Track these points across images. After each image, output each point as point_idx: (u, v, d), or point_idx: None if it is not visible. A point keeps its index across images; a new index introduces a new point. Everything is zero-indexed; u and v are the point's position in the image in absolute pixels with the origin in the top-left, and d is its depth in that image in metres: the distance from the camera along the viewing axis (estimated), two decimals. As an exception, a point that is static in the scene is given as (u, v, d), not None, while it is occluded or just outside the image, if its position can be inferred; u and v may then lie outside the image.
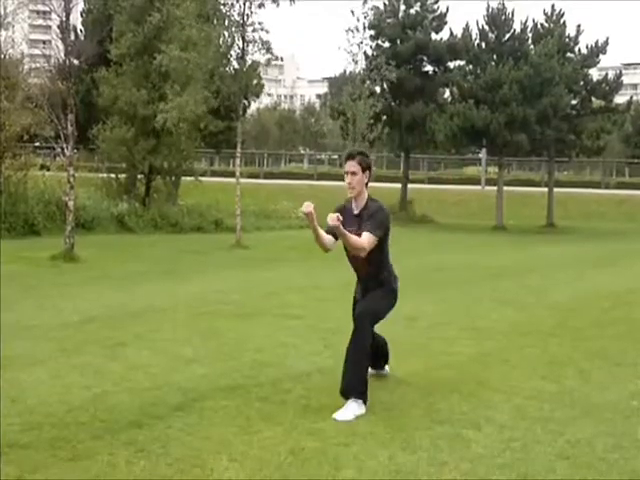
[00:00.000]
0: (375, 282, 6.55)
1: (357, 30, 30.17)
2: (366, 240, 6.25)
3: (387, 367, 7.22)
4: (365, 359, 6.28)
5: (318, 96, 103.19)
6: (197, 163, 34.34)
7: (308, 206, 6.02)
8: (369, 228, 6.28)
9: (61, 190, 20.67)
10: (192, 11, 22.80)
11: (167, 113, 22.80)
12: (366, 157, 6.43)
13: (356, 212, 6.41)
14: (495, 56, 34.86)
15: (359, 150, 6.63)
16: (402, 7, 37.79)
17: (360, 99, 29.20)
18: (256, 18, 22.01)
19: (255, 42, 21.88)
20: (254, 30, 21.83)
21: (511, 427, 5.90)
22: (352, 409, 6.09)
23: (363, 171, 6.36)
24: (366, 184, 6.41)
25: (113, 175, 28.85)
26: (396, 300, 6.63)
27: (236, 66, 23.10)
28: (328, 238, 6.33)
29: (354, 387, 6.19)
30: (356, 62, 31.25)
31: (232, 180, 24.97)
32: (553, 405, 6.50)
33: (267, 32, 22.03)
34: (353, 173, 6.33)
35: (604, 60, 37.30)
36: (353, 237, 6.21)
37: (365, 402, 6.19)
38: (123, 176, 28.62)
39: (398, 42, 37.25)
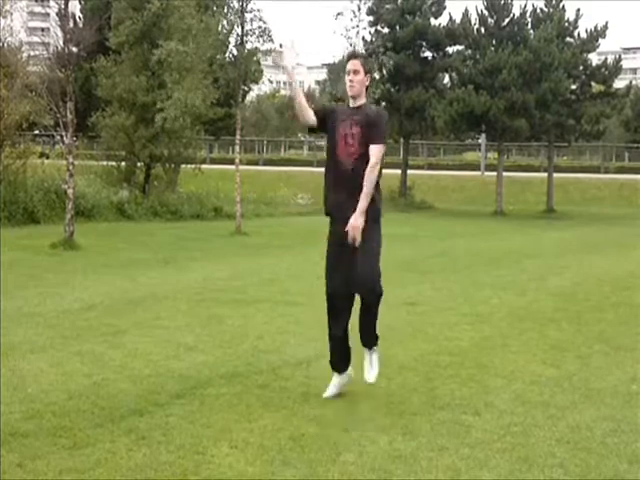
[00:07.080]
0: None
1: (354, 14, 30.10)
2: (377, 155, 5.95)
3: (350, 369, 6.44)
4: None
5: (317, 82, 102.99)
6: (197, 151, 34.25)
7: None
8: (375, 138, 5.99)
9: (61, 178, 20.66)
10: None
11: (166, 110, 22.75)
12: (369, 60, 6.24)
13: (353, 105, 6.13)
14: (494, 41, 34.80)
15: (362, 53, 6.46)
16: (401, -8, 37.71)
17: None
18: (255, 6, 21.99)
19: (253, 31, 21.80)
20: (253, 18, 21.75)
21: (511, 412, 5.91)
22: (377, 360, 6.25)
23: (365, 73, 6.14)
24: (366, 89, 6.19)
25: (113, 163, 28.78)
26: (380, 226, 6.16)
27: (235, 53, 23.03)
28: (309, 111, 6.09)
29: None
30: (354, 47, 31.21)
31: (231, 167, 24.95)
32: (553, 390, 6.51)
33: (265, 23, 21.98)
34: (355, 72, 6.11)
35: (603, 44, 37.28)
36: (368, 186, 5.87)
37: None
38: (123, 164, 28.56)
39: (397, 27, 37.18)
